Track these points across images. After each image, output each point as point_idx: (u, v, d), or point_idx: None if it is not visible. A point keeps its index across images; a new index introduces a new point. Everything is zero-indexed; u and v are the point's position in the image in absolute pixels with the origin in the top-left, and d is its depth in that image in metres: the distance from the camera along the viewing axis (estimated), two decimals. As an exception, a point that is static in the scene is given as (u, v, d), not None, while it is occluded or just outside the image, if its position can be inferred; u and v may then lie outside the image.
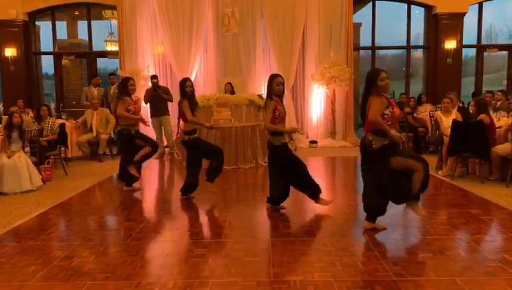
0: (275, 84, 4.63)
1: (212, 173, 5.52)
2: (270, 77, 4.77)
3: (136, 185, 6.06)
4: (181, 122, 5.41)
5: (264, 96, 8.78)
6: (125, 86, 5.72)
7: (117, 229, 4.52)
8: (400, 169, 3.92)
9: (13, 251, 3.81)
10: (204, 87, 10.04)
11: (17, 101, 9.04)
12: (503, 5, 11.44)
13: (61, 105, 10.94)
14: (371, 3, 11.02)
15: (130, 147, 5.82)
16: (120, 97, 5.74)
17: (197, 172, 5.45)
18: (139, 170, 5.95)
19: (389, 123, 3.89)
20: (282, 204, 4.91)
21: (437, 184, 6.11)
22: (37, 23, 11.67)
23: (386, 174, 3.94)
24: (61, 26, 13.23)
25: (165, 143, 9.13)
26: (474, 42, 11.24)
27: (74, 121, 8.99)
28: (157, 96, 8.54)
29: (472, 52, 11.78)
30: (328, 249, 3.66)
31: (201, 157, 5.53)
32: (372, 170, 4.02)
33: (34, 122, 7.54)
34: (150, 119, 8.94)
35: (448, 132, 6.33)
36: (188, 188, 5.46)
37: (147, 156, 5.96)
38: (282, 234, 4.10)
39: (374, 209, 4.11)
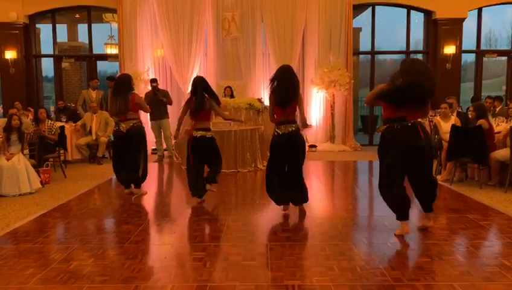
0: None
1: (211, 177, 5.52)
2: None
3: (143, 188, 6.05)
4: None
5: (264, 99, 8.86)
6: (131, 84, 5.78)
7: (115, 232, 4.51)
8: None
9: (11, 253, 3.81)
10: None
11: (15, 104, 9.03)
12: (502, 10, 11.48)
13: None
14: (370, 8, 11.06)
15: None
16: (128, 94, 5.68)
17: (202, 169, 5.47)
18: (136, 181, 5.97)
19: None
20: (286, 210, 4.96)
21: (436, 189, 6.12)
22: (37, 25, 11.72)
23: (398, 159, 3.90)
24: (62, 29, 13.30)
25: (164, 146, 9.14)
26: (474, 47, 11.28)
27: (73, 124, 9.00)
28: (157, 100, 8.55)
29: (471, 57, 11.83)
30: (327, 254, 3.66)
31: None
32: (386, 157, 3.98)
33: (33, 124, 7.54)
34: (149, 123, 8.96)
35: (447, 137, 6.34)
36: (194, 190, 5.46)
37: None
38: (280, 238, 4.11)
39: (399, 203, 3.99)
